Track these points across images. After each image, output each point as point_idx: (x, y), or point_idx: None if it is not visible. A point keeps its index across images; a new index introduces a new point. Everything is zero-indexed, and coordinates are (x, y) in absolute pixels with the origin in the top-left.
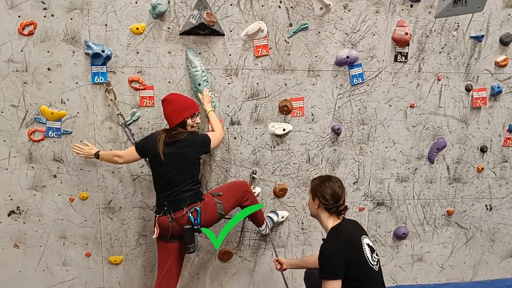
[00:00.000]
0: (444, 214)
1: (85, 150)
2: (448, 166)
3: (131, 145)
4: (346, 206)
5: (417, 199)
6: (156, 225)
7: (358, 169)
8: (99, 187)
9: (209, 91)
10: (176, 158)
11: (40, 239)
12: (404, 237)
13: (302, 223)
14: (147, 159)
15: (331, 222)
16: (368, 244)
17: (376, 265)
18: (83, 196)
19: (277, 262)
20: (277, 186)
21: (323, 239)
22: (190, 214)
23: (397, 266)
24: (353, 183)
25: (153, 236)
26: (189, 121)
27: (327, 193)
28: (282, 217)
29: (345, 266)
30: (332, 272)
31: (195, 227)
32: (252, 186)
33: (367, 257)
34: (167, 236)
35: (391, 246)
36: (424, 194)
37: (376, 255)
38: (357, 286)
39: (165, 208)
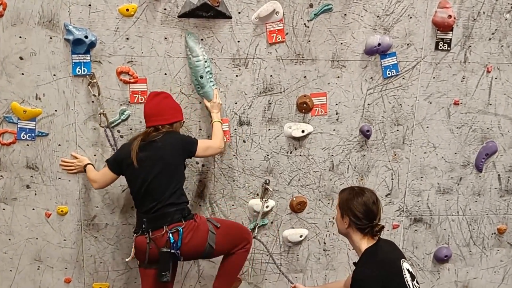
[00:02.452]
0: (495, 233)
1: (75, 165)
2: (499, 175)
3: (112, 153)
4: (383, 226)
5: (462, 214)
6: (133, 246)
7: (392, 179)
8: (81, 200)
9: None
10: (151, 162)
11: (11, 262)
12: (447, 260)
13: (325, 243)
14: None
15: (365, 243)
16: (408, 270)
17: None
18: (61, 211)
19: None
20: (294, 199)
21: (354, 263)
22: (170, 234)
23: None
24: (386, 196)
25: (126, 259)
26: (176, 124)
27: (359, 211)
28: (301, 236)
29: None
30: None
31: (172, 251)
32: (264, 199)
33: (408, 284)
34: (144, 260)
35: (431, 271)
36: (470, 209)
37: (417, 282)
38: None
39: (143, 226)
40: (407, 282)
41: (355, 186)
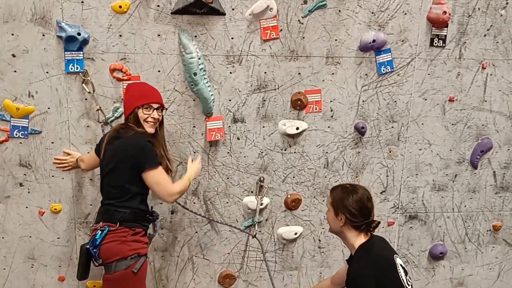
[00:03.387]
0: (490, 230)
1: (68, 161)
2: (494, 172)
3: None
4: (379, 222)
5: (457, 211)
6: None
7: (387, 176)
8: (75, 197)
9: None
10: (109, 158)
11: (4, 260)
12: (442, 257)
13: (319, 240)
14: None
15: (359, 240)
16: (401, 265)
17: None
18: (55, 209)
19: None
20: (289, 196)
21: (346, 260)
22: (100, 230)
23: None
24: (381, 193)
25: None
26: (140, 113)
27: (355, 208)
28: (295, 233)
29: None
30: None
31: (89, 247)
32: (259, 197)
33: (402, 279)
34: None
35: (426, 268)
36: (465, 206)
37: (410, 278)
38: None
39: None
40: (401, 277)
41: (346, 184)
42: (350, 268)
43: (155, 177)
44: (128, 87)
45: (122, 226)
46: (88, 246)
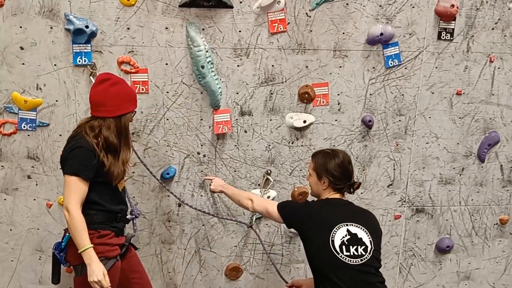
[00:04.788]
0: (497, 223)
1: None
2: (501, 165)
3: None
4: (360, 183)
5: (464, 205)
6: None
7: (394, 169)
8: None
9: None
10: None
11: (12, 252)
12: (449, 250)
13: None
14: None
15: (331, 195)
16: (350, 232)
17: (355, 259)
18: (63, 201)
19: None
20: (296, 189)
21: None
22: (67, 233)
23: (440, 285)
24: (388, 186)
25: None
26: (128, 115)
27: (337, 171)
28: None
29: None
30: None
31: (56, 252)
32: (265, 190)
33: (332, 240)
34: None
35: (432, 262)
36: (472, 200)
37: (364, 251)
38: (320, 275)
39: None
40: (333, 239)
41: (326, 149)
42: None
43: (66, 184)
44: (114, 81)
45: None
46: (53, 250)
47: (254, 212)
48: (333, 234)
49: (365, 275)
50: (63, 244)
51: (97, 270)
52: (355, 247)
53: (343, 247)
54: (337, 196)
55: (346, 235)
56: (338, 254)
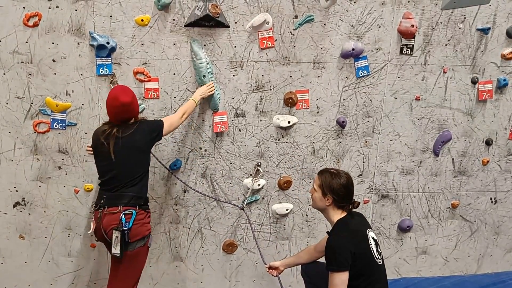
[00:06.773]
0: (449, 207)
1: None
2: (453, 159)
3: None
4: (359, 202)
5: (421, 192)
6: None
7: (363, 162)
8: None
9: (211, 88)
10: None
11: (46, 230)
12: (409, 229)
13: (307, 215)
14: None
15: (338, 215)
16: (373, 238)
17: (380, 259)
18: (88, 188)
19: (271, 270)
20: (281, 178)
21: (327, 232)
22: (123, 214)
23: (401, 258)
24: (358, 176)
25: (89, 232)
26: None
27: (341, 191)
28: (287, 209)
29: (352, 259)
30: (340, 264)
31: (125, 230)
32: (256, 179)
33: (373, 250)
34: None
35: (395, 239)
36: (429, 187)
37: (380, 248)
38: (362, 280)
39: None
40: (372, 248)
41: (331, 169)
42: (329, 239)
43: (166, 120)
44: (132, 93)
45: (140, 209)
46: (124, 229)
47: None
48: (370, 243)
49: (385, 272)
50: (130, 224)
51: (199, 91)
52: (378, 247)
53: (376, 251)
54: (342, 214)
55: (372, 241)
56: (377, 260)
